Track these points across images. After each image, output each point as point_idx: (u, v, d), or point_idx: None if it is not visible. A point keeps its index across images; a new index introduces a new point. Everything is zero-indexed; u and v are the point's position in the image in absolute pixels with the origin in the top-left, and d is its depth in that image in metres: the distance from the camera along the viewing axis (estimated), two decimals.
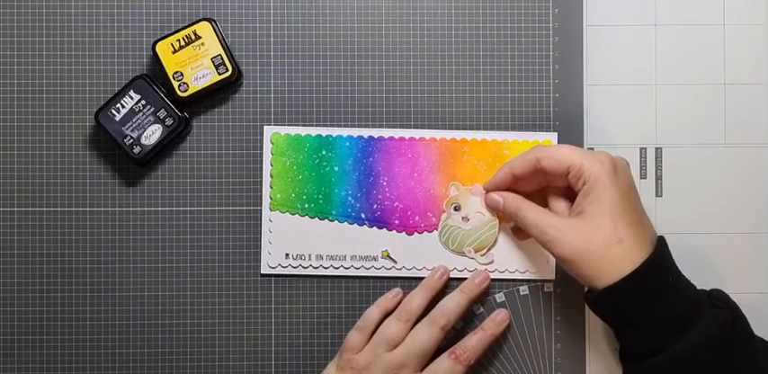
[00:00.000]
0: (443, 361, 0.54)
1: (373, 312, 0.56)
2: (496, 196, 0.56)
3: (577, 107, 0.59)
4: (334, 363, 0.55)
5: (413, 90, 0.59)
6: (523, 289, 0.58)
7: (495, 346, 0.58)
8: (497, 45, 0.59)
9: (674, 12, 0.59)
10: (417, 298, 0.56)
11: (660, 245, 0.50)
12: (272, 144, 0.58)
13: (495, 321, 0.57)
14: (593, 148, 0.59)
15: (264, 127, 0.58)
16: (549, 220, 0.51)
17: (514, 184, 0.55)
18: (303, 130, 0.58)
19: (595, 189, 0.49)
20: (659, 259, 0.49)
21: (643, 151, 0.59)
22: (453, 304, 0.55)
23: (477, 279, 0.57)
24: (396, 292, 0.57)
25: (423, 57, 0.59)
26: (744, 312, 0.49)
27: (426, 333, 0.54)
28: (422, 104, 0.59)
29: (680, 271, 0.50)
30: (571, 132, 0.59)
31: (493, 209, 0.57)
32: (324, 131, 0.58)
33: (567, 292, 0.58)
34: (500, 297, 0.58)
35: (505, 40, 0.59)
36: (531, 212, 0.53)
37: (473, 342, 0.55)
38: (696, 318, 0.47)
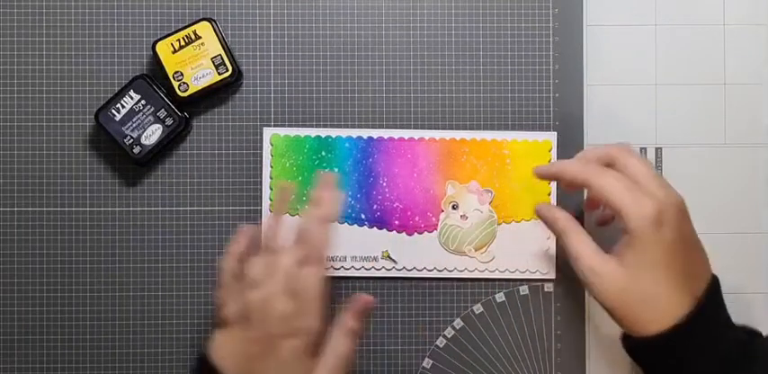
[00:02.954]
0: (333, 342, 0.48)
1: (225, 262, 0.50)
2: (554, 214, 0.51)
3: (577, 107, 0.59)
4: (218, 332, 0.48)
5: (413, 90, 0.59)
6: (523, 289, 0.58)
7: (496, 346, 0.58)
8: (497, 45, 0.59)
9: (674, 12, 0.59)
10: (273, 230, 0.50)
11: (707, 297, 0.46)
12: (272, 145, 0.58)
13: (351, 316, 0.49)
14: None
15: (264, 128, 0.58)
16: (588, 260, 0.47)
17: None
18: (303, 131, 0.58)
19: (636, 243, 0.46)
20: (698, 317, 0.46)
21: (643, 151, 0.59)
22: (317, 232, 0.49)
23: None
24: (244, 231, 0.51)
25: (423, 57, 0.59)
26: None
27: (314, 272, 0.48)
28: (422, 104, 0.59)
29: (726, 320, 0.48)
30: (571, 132, 0.59)
31: (543, 220, 0.52)
32: (323, 132, 0.58)
33: (567, 292, 0.58)
34: (500, 297, 0.58)
35: (505, 40, 0.59)
36: (574, 241, 0.48)
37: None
38: None
